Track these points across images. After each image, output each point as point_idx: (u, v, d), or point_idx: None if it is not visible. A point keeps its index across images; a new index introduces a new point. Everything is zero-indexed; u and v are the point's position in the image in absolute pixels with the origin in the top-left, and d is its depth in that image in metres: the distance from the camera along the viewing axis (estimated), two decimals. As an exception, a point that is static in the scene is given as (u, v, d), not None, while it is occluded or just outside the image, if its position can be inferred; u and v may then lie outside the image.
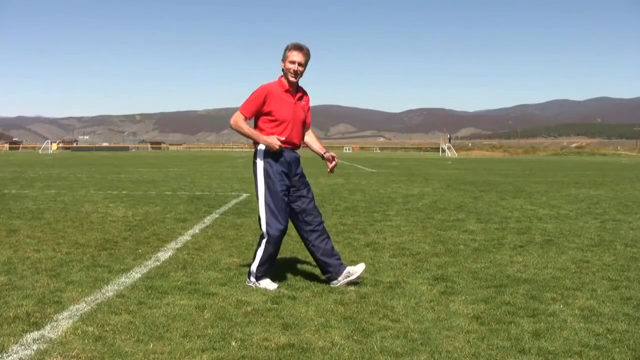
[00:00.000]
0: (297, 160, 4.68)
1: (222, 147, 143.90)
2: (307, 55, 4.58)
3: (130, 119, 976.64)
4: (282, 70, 4.59)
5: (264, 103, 4.50)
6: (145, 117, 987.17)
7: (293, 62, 4.52)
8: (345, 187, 15.26)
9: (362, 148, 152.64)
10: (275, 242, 4.59)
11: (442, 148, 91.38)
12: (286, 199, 4.59)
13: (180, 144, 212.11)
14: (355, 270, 4.60)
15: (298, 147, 4.73)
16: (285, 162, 4.56)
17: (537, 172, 25.96)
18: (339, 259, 4.67)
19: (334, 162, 4.87)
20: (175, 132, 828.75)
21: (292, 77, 4.54)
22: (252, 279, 4.58)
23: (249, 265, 4.72)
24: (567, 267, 5.40)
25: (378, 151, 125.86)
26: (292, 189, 4.63)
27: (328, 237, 4.73)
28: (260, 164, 4.57)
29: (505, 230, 7.64)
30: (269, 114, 4.52)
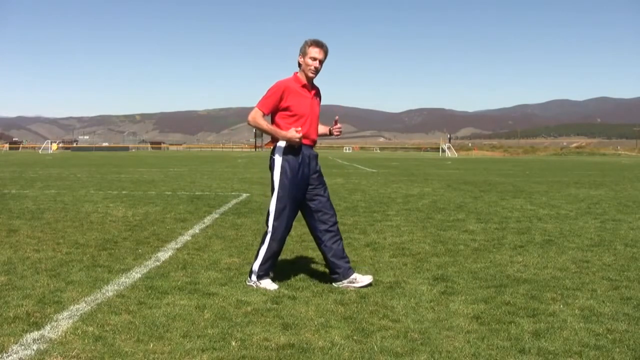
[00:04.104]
0: (315, 157, 4.69)
1: (222, 147, 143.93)
2: (326, 52, 4.58)
3: (130, 119, 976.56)
4: (299, 65, 4.58)
5: (281, 99, 4.48)
6: (145, 117, 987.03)
7: (314, 59, 4.51)
8: (345, 187, 15.26)
9: (362, 148, 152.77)
10: (280, 240, 4.60)
11: (442, 148, 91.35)
12: (299, 197, 4.60)
13: (180, 144, 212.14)
14: (362, 279, 4.59)
15: (315, 142, 4.72)
16: (304, 159, 4.56)
17: (537, 172, 25.96)
18: (348, 262, 4.68)
19: (338, 125, 4.91)
20: (176, 132, 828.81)
21: (311, 73, 4.54)
22: (253, 278, 4.58)
23: (250, 265, 4.72)
24: (567, 267, 5.40)
25: (378, 151, 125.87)
26: (309, 187, 4.63)
27: (340, 238, 4.73)
28: (278, 160, 4.56)
29: (505, 230, 7.64)
30: (287, 109, 4.51)
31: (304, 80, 4.58)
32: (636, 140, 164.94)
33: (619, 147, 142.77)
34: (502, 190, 14.75)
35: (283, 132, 4.50)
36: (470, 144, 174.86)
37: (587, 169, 31.59)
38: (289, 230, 4.68)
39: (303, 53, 4.55)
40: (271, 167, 4.62)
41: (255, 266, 4.59)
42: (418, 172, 24.61)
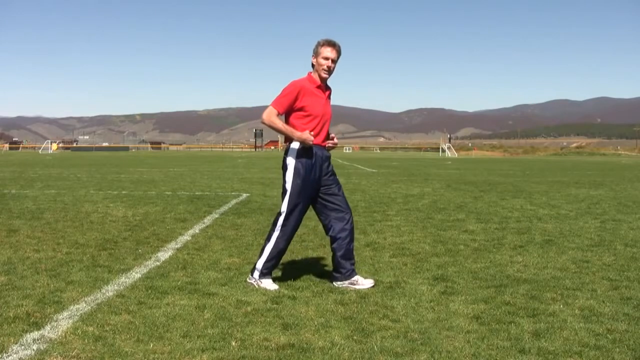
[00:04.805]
0: (328, 158, 4.69)
1: (222, 147, 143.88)
2: (339, 52, 4.57)
3: (130, 119, 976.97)
4: (312, 65, 4.57)
5: (296, 99, 4.47)
6: (145, 117, 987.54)
7: (327, 59, 4.50)
8: (345, 187, 15.26)
9: (362, 148, 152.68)
10: (287, 239, 4.61)
11: (442, 148, 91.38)
12: (311, 198, 4.61)
13: (180, 144, 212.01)
14: (363, 282, 4.59)
15: (325, 144, 4.73)
16: (317, 161, 4.56)
17: (537, 172, 25.96)
18: (354, 264, 4.68)
19: (335, 140, 4.81)
20: (175, 132, 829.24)
21: (324, 73, 4.53)
22: (256, 275, 4.57)
23: (254, 262, 4.70)
24: (567, 267, 5.40)
25: (378, 151, 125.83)
26: (323, 188, 4.63)
27: (352, 239, 4.72)
28: (291, 162, 4.55)
29: (505, 230, 7.64)
30: (301, 109, 4.49)
31: (319, 81, 4.57)
32: (636, 140, 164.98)
33: (619, 147, 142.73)
34: (502, 190, 14.75)
35: (298, 133, 4.48)
36: (470, 144, 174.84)
37: (587, 169, 31.59)
38: (297, 230, 4.69)
39: (315, 53, 4.54)
40: (284, 167, 4.61)
41: (260, 263, 4.59)
42: (418, 172, 24.61)
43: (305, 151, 4.52)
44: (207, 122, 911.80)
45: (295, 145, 4.54)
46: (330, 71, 4.54)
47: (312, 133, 4.48)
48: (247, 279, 4.64)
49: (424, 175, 21.85)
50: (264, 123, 4.55)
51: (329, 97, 4.69)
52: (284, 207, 4.58)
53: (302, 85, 4.50)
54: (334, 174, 4.73)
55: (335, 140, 4.83)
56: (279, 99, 4.48)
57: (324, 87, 4.62)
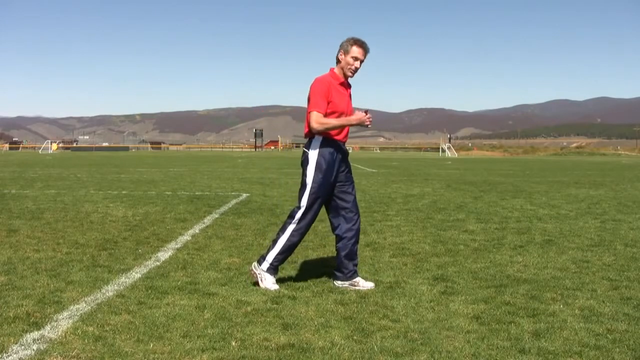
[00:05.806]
0: (346, 154, 4.70)
1: (222, 147, 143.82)
2: (367, 53, 4.58)
3: (130, 119, 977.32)
4: (338, 61, 4.56)
5: (328, 94, 4.47)
6: (145, 117, 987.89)
7: (356, 59, 4.51)
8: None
9: (362, 148, 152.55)
10: (302, 233, 4.61)
11: (442, 148, 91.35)
12: (330, 193, 4.61)
13: (180, 144, 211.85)
14: (364, 285, 4.59)
15: (346, 140, 4.75)
16: (338, 155, 4.57)
17: (537, 172, 25.95)
18: (356, 265, 4.69)
19: (368, 115, 4.65)
20: (175, 132, 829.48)
21: (351, 73, 4.55)
22: (264, 266, 4.54)
23: (264, 253, 4.67)
24: (567, 267, 5.41)
25: (378, 151, 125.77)
26: (338, 184, 4.64)
27: (357, 241, 4.72)
28: (313, 156, 4.54)
29: (505, 230, 7.64)
30: (328, 104, 4.49)
31: (342, 78, 4.58)
32: (636, 140, 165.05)
33: (619, 147, 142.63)
34: (502, 190, 14.75)
35: (352, 117, 4.48)
36: (470, 144, 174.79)
37: (587, 169, 31.58)
38: (311, 225, 4.68)
39: (345, 51, 4.52)
40: (304, 162, 4.59)
41: (271, 255, 4.56)
42: (418, 172, 24.61)
43: (327, 145, 4.52)
44: (207, 122, 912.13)
45: (317, 139, 4.53)
46: (356, 71, 4.56)
47: (363, 111, 4.48)
48: (252, 267, 4.60)
49: (424, 175, 21.85)
50: (317, 130, 4.47)
51: (350, 95, 4.69)
52: (303, 202, 4.56)
53: (328, 80, 4.52)
54: (350, 172, 4.75)
55: (369, 115, 4.57)
56: (316, 102, 4.44)
57: (346, 85, 4.63)
